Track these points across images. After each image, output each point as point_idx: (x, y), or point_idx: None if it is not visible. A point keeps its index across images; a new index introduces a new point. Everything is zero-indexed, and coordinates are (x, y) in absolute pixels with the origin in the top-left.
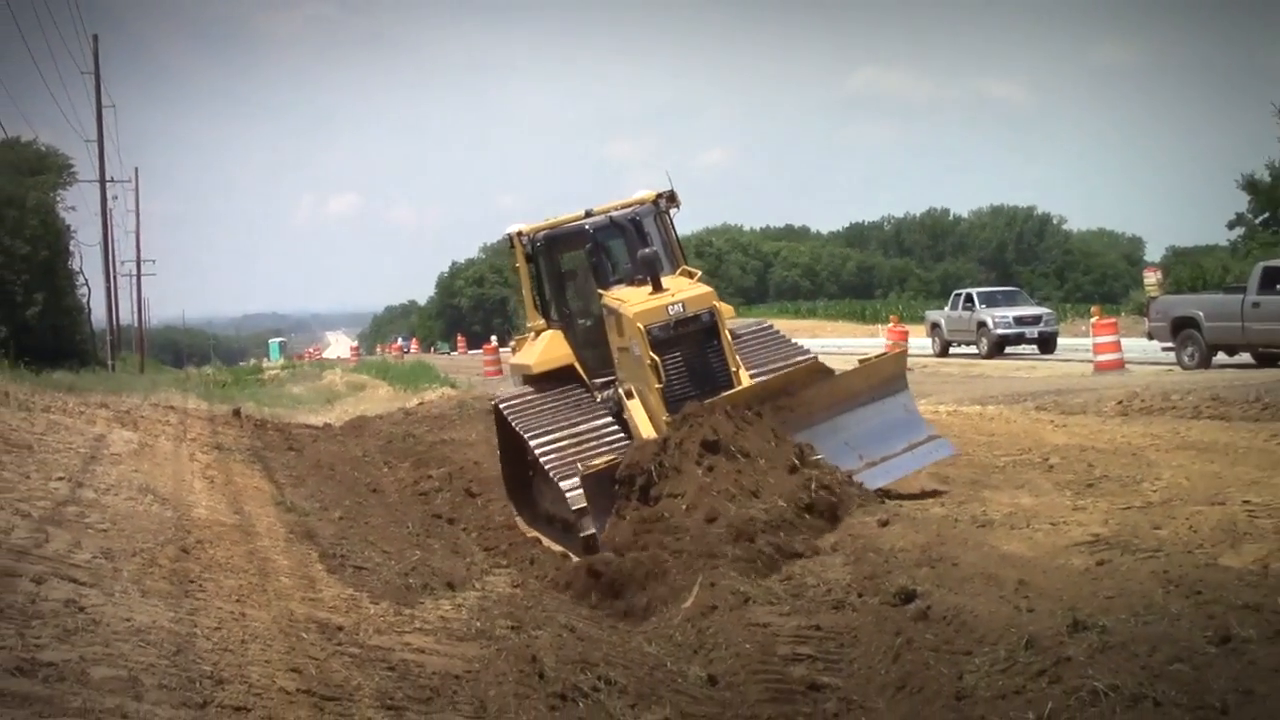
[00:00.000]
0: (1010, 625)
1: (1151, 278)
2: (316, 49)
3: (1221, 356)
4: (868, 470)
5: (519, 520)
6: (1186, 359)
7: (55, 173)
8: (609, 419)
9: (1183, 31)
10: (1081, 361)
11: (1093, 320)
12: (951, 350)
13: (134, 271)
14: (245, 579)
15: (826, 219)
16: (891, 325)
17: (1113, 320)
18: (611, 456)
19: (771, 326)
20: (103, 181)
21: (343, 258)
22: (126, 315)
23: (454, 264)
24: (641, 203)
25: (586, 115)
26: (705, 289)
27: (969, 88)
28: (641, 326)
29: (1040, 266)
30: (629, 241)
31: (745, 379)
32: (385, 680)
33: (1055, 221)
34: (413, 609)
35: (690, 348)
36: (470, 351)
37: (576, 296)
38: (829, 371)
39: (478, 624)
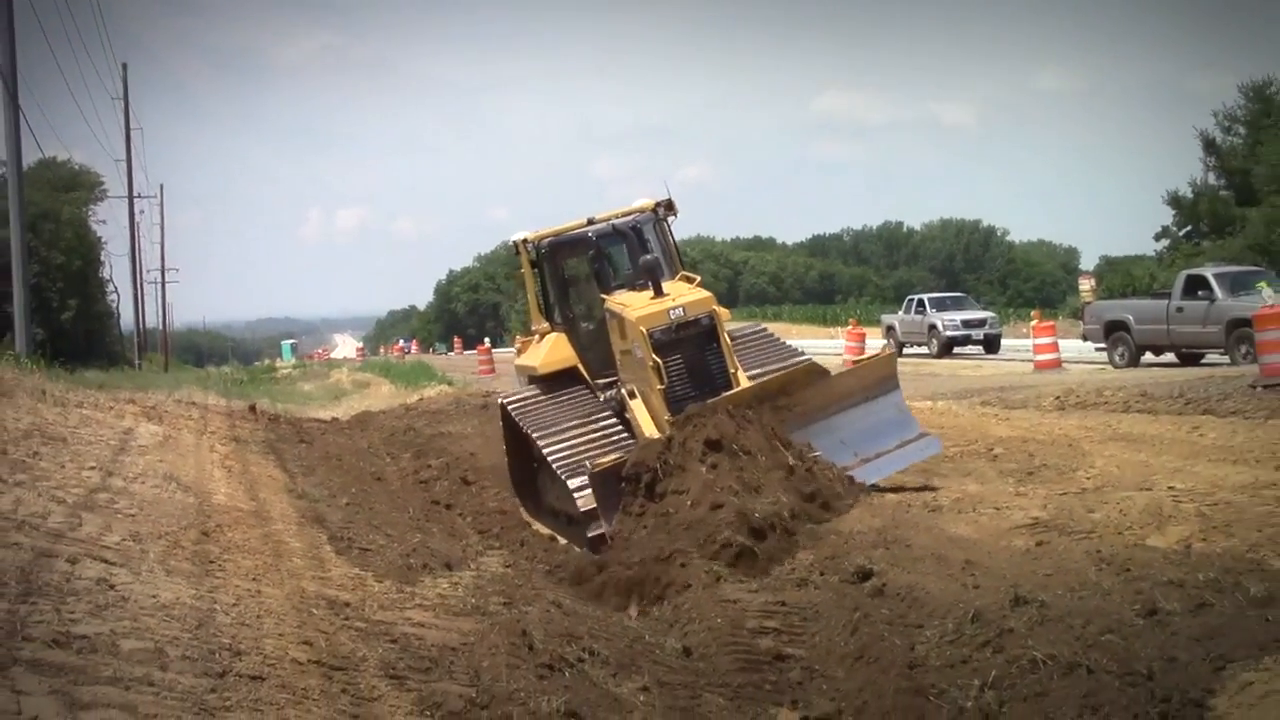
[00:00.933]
0: (958, 601)
1: (1086, 285)
2: (325, 74)
3: (1149, 356)
4: (862, 466)
5: (524, 514)
6: (1117, 359)
7: (87, 190)
8: (612, 418)
9: (1117, 60)
10: (1023, 361)
11: (1033, 323)
12: (905, 351)
13: (159, 279)
14: (260, 559)
15: (791, 230)
16: (850, 328)
17: (1051, 323)
18: (618, 455)
19: (766, 329)
20: (131, 197)
21: (349, 266)
22: (152, 319)
23: (451, 272)
24: (641, 211)
25: (573, 133)
26: (705, 294)
27: (922, 111)
28: (644, 330)
29: (985, 274)
30: (630, 248)
31: (744, 380)
32: (388, 652)
33: (999, 233)
34: (413, 587)
35: (691, 350)
36: (466, 352)
37: (579, 301)
38: (825, 372)
39: (473, 600)
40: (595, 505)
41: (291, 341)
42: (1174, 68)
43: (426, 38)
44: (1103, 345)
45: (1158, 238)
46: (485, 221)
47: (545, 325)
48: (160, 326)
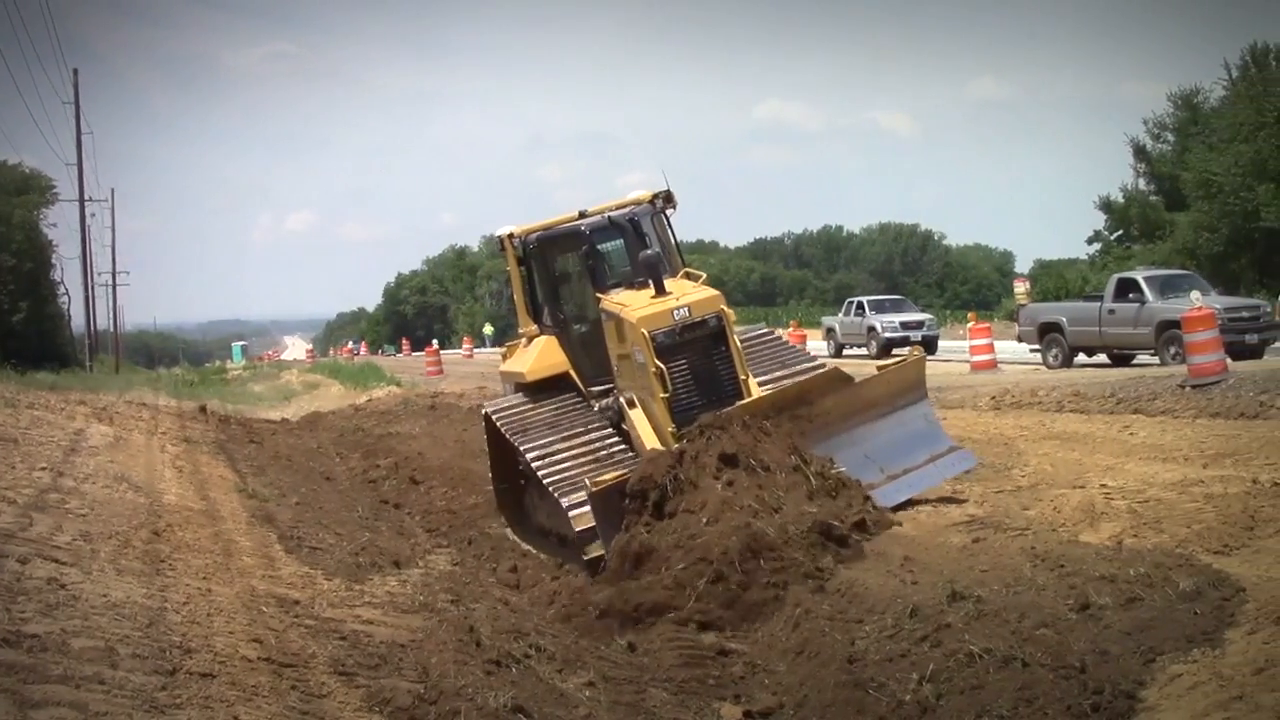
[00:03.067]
0: (896, 596)
1: (1021, 287)
2: (277, 82)
3: (1082, 357)
4: (889, 484)
5: (510, 533)
6: (1051, 359)
7: (38, 193)
8: (608, 429)
9: (1050, 69)
10: (959, 362)
11: (969, 325)
12: (845, 352)
13: (110, 282)
14: (211, 558)
15: (733, 234)
16: (791, 330)
17: (987, 325)
18: (621, 471)
19: (773, 332)
20: (82, 201)
21: (299, 269)
22: (103, 321)
23: (399, 275)
24: (637, 203)
25: (519, 140)
26: (712, 292)
27: (860, 118)
28: (645, 332)
29: (923, 277)
30: (628, 243)
31: (754, 388)
32: (338, 649)
33: (936, 237)
34: (362, 585)
35: (697, 354)
36: (414, 353)
37: (571, 301)
38: (848, 379)
39: (421, 598)
40: (592, 525)
41: (242, 343)
42: (1105, 77)
43: (377, 46)
44: (1037, 346)
45: (1090, 242)
46: (433, 226)
47: (534, 328)
48: (111, 328)
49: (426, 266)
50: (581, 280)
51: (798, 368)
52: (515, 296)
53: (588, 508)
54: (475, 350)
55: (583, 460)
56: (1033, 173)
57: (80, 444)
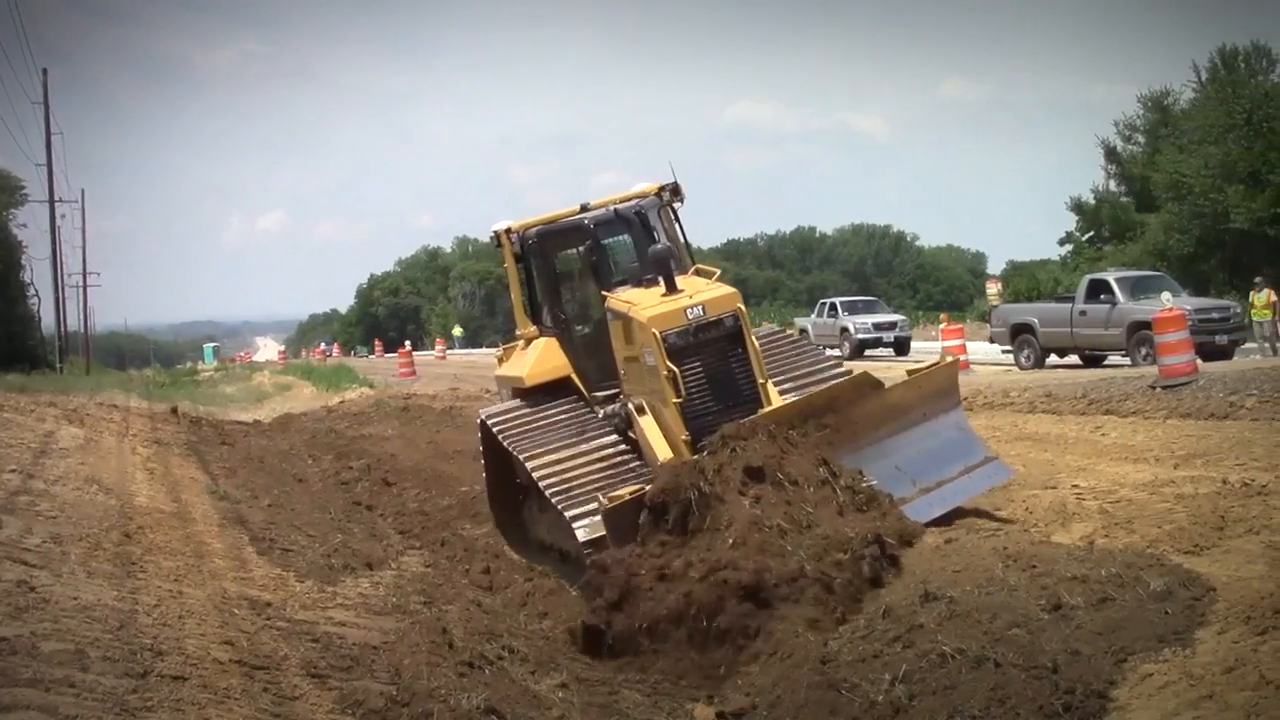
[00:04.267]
0: (869, 597)
1: (993, 288)
2: (248, 81)
3: (1054, 358)
4: (922, 498)
5: (508, 549)
6: (1023, 360)
7: (8, 194)
8: (615, 437)
9: (1021, 71)
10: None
11: (941, 326)
12: None
13: (80, 283)
14: (182, 560)
15: (707, 235)
16: None
17: (959, 326)
18: (636, 486)
19: (787, 332)
20: (51, 202)
21: (271, 270)
22: (74, 322)
23: (372, 276)
24: (643, 196)
25: (491, 140)
26: (728, 289)
27: (834, 120)
28: (656, 332)
29: (896, 278)
30: (635, 237)
31: (773, 392)
32: (310, 651)
33: (909, 238)
34: (335, 586)
35: (712, 356)
36: (386, 355)
37: (574, 300)
38: (878, 385)
39: (393, 599)
40: (599, 536)
41: (213, 344)
42: (1076, 79)
43: (349, 46)
44: (1009, 347)
45: (1062, 243)
46: (406, 226)
47: (532, 329)
48: (82, 330)
49: (399, 267)
50: (585, 278)
51: (817, 371)
52: (513, 296)
53: (593, 519)
54: (448, 351)
55: (589, 471)
56: (1004, 174)
57: (50, 446)
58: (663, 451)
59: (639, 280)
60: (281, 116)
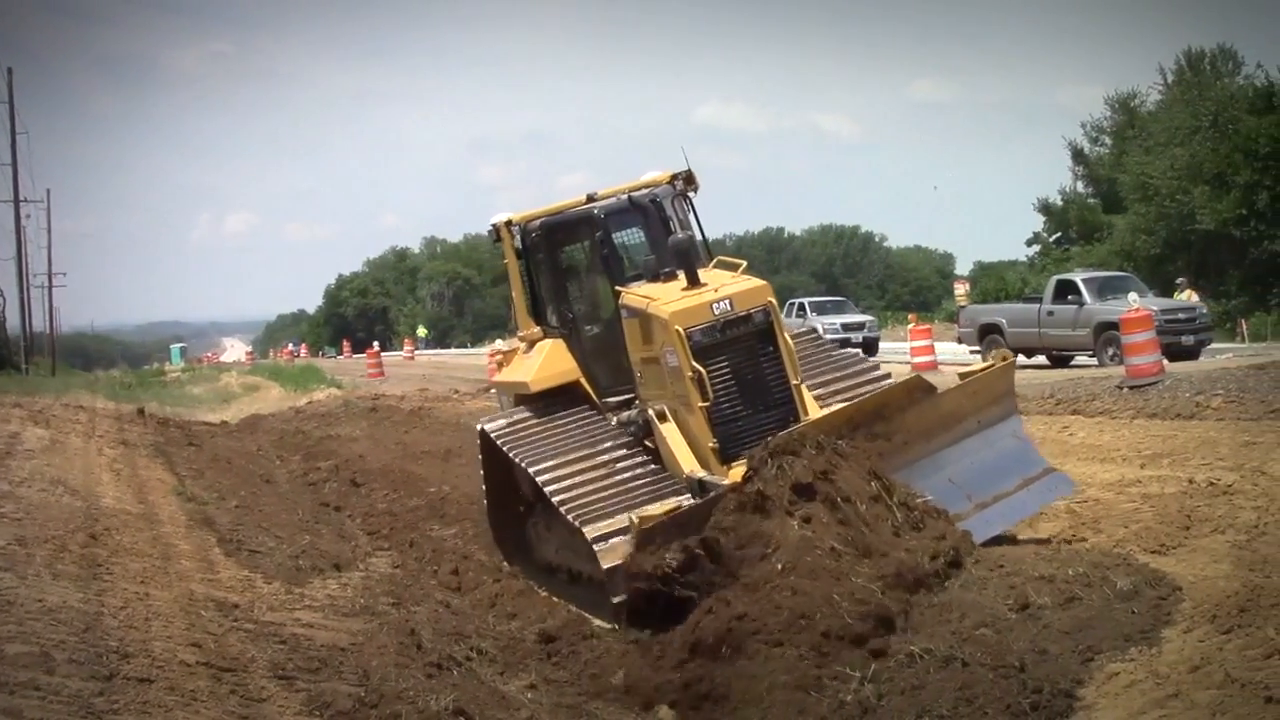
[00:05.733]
0: None
1: (960, 289)
2: (215, 81)
3: (1021, 358)
4: (978, 514)
5: (509, 569)
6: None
7: None
8: (634, 447)
9: (990, 72)
10: (900, 363)
11: (910, 327)
12: None
13: (46, 284)
14: (149, 562)
15: None
16: None
17: (927, 327)
18: (670, 504)
19: (815, 331)
20: (17, 202)
21: (239, 270)
22: (39, 323)
23: (340, 276)
24: (654, 185)
25: (459, 141)
26: (757, 281)
27: (802, 120)
28: (680, 330)
29: (864, 279)
30: (650, 228)
31: (808, 396)
32: (277, 653)
33: (877, 239)
34: (302, 588)
35: (740, 356)
36: (354, 355)
37: (582, 297)
38: (931, 389)
39: (362, 601)
40: (621, 564)
41: (180, 345)
42: (1043, 80)
43: (316, 47)
44: (977, 348)
45: (1029, 244)
46: (374, 227)
47: (536, 330)
48: (48, 331)
49: (367, 268)
50: (594, 273)
51: (852, 374)
52: (513, 294)
53: (617, 540)
54: (416, 352)
55: (607, 484)
56: (972, 175)
57: (15, 447)
58: (687, 462)
59: (655, 274)
60: (249, 116)
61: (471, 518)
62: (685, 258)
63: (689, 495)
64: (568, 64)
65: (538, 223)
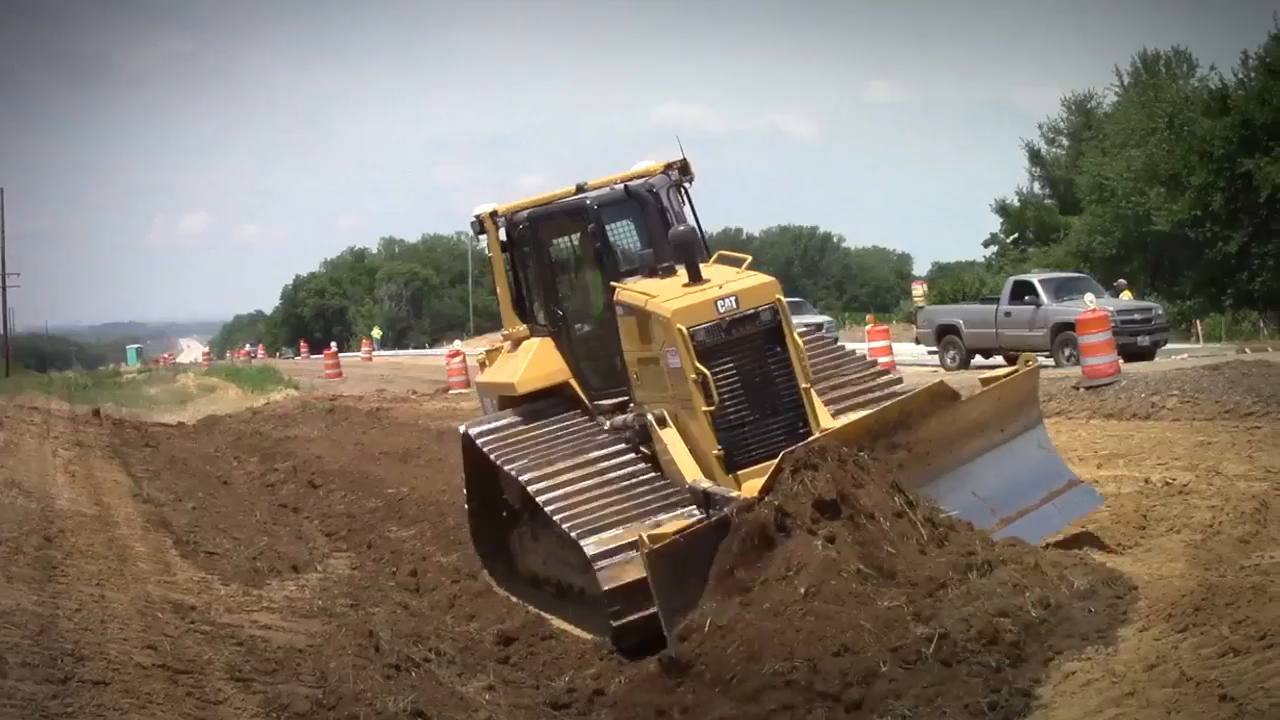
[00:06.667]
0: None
1: (918, 290)
2: (173, 81)
3: (979, 359)
4: (1003, 530)
5: (491, 580)
6: (949, 361)
7: None
8: (630, 454)
9: (947, 74)
10: None
11: (868, 327)
12: None
13: (0, 283)
14: (105, 564)
15: None
16: None
17: (885, 327)
18: (683, 521)
19: (820, 329)
20: None
21: (196, 271)
22: None
23: (298, 277)
24: (648, 175)
25: (417, 141)
26: (764, 278)
27: (760, 121)
28: (683, 329)
29: (822, 280)
30: (648, 219)
31: (818, 400)
32: (235, 654)
33: (835, 240)
34: (260, 589)
35: (747, 357)
36: (312, 356)
37: (573, 294)
38: (954, 396)
39: (320, 602)
40: (627, 583)
41: (137, 346)
42: (1000, 82)
43: (274, 47)
44: (935, 348)
45: (987, 244)
46: (332, 227)
47: (522, 328)
48: (1, 331)
49: (325, 268)
50: (585, 268)
51: (861, 379)
52: (498, 290)
53: (620, 558)
54: (374, 353)
55: (605, 493)
56: (930, 176)
57: None
58: (689, 470)
59: (652, 269)
60: (207, 116)
61: (430, 519)
62: (687, 251)
63: (694, 507)
64: (526, 64)
65: (525, 214)
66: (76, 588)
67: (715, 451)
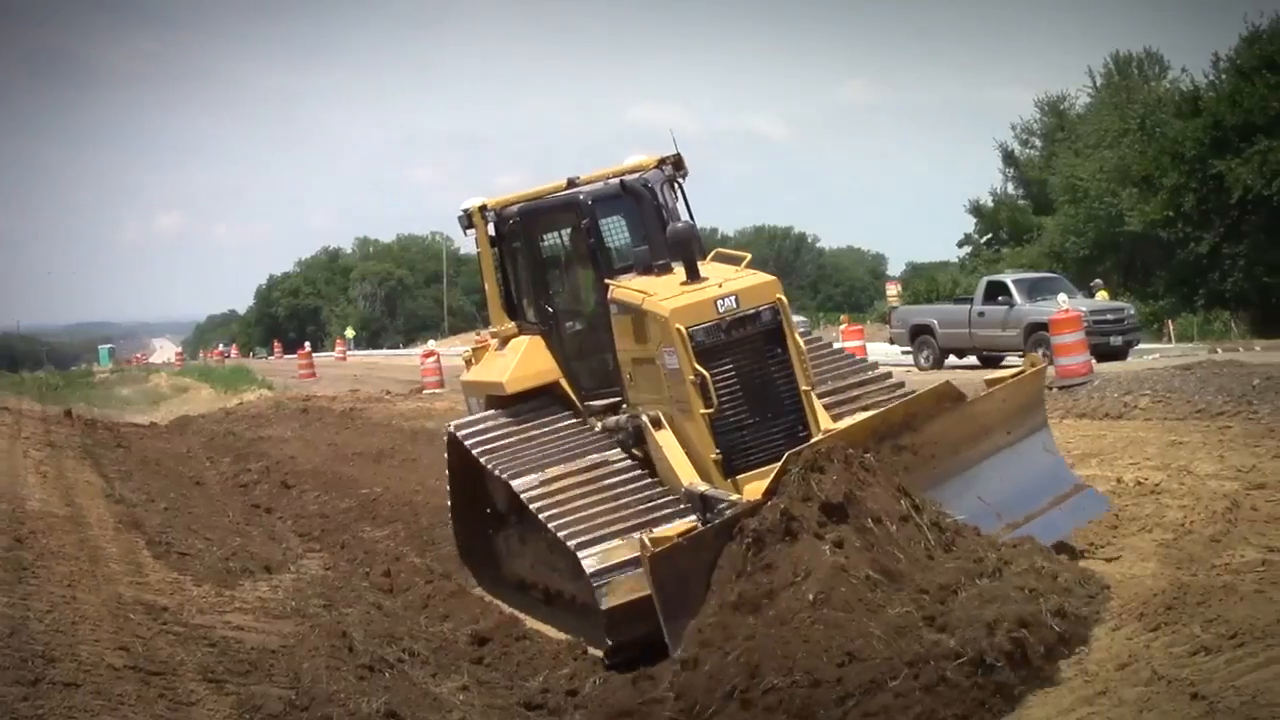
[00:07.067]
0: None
1: (893, 290)
2: (143, 80)
3: (952, 359)
4: (1009, 536)
5: (476, 585)
6: (923, 361)
7: None
8: (623, 457)
9: (921, 75)
10: None
11: (842, 327)
12: None
13: None
14: (76, 565)
15: None
16: None
17: (860, 327)
18: (686, 523)
19: (813, 332)
20: None
21: (168, 270)
22: None
23: (271, 276)
24: (640, 169)
25: (391, 140)
26: (765, 277)
27: (734, 121)
28: (682, 328)
29: (797, 279)
30: (644, 215)
31: (818, 403)
32: (207, 656)
33: (810, 240)
34: (233, 590)
35: (746, 358)
36: (286, 356)
37: (564, 291)
38: (960, 397)
39: (293, 603)
40: (628, 601)
41: (109, 346)
42: (974, 83)
43: (247, 45)
44: (909, 348)
45: (960, 245)
46: (306, 227)
47: (510, 325)
48: None
49: (299, 268)
50: (577, 264)
51: (861, 382)
52: (486, 286)
53: (620, 576)
54: (348, 353)
55: (599, 499)
56: (904, 176)
57: None
58: (686, 473)
59: (647, 266)
60: (178, 115)
61: (403, 519)
62: (685, 248)
63: (694, 512)
64: (500, 64)
65: (515, 209)
66: (47, 589)
67: (713, 455)
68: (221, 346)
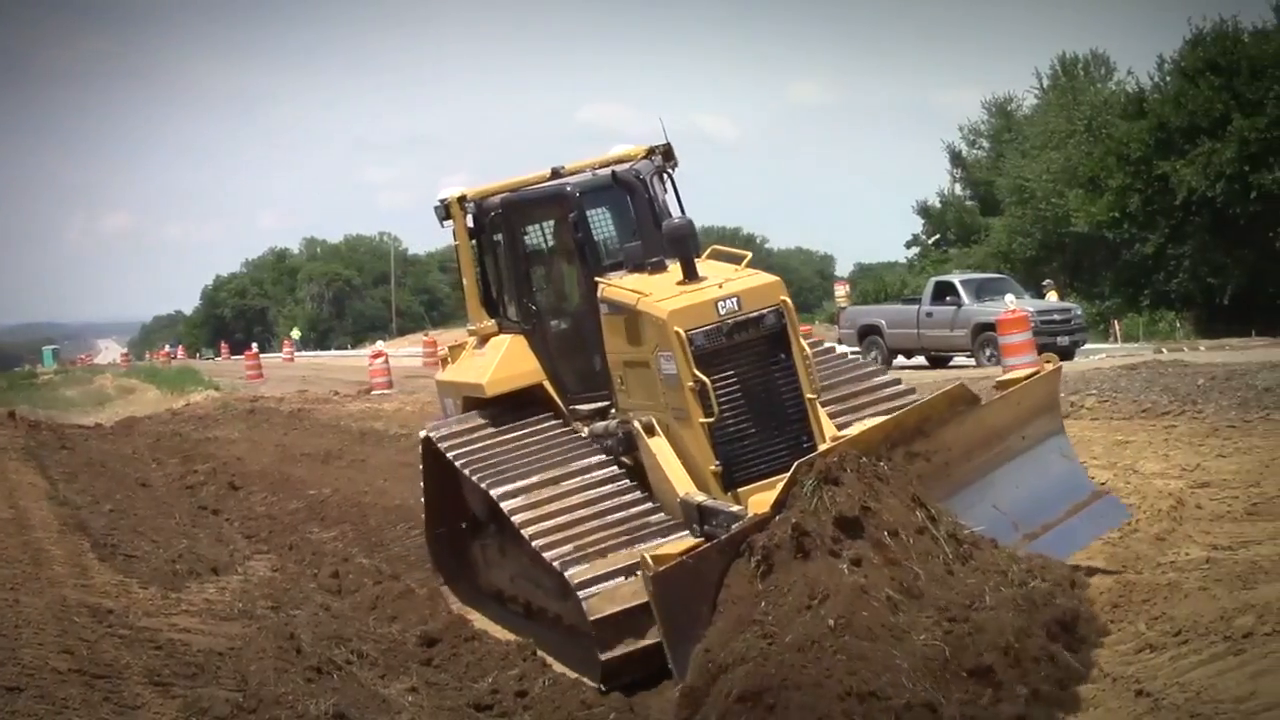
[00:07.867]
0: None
1: (841, 290)
2: (92, 78)
3: (901, 359)
4: (1027, 546)
5: (451, 596)
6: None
7: None
8: (611, 466)
9: (869, 76)
10: None
11: None
12: None
13: None
14: (19, 568)
15: None
16: None
17: (808, 328)
18: (691, 540)
19: (812, 335)
20: None
21: (114, 270)
22: None
23: (218, 277)
24: (628, 159)
25: (342, 141)
26: (768, 277)
27: (682, 121)
28: (680, 331)
29: None
30: (637, 208)
31: (823, 412)
32: (153, 659)
33: (758, 240)
34: (179, 593)
35: (748, 364)
36: (233, 357)
37: (548, 287)
38: (974, 400)
39: (240, 605)
40: (614, 613)
41: (53, 347)
42: (922, 84)
43: (198, 45)
44: (857, 349)
45: (908, 245)
46: (254, 227)
47: (490, 324)
48: None
49: (246, 268)
50: (563, 260)
51: (869, 388)
52: (465, 282)
53: (608, 585)
54: (296, 354)
55: (587, 513)
56: (852, 177)
57: None
58: (682, 484)
59: (639, 264)
60: (127, 114)
61: (351, 520)
62: (683, 246)
63: (687, 532)
64: (449, 65)
65: (497, 199)
66: None
67: (713, 467)
68: (168, 347)
